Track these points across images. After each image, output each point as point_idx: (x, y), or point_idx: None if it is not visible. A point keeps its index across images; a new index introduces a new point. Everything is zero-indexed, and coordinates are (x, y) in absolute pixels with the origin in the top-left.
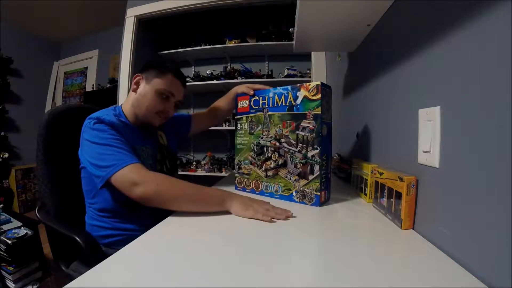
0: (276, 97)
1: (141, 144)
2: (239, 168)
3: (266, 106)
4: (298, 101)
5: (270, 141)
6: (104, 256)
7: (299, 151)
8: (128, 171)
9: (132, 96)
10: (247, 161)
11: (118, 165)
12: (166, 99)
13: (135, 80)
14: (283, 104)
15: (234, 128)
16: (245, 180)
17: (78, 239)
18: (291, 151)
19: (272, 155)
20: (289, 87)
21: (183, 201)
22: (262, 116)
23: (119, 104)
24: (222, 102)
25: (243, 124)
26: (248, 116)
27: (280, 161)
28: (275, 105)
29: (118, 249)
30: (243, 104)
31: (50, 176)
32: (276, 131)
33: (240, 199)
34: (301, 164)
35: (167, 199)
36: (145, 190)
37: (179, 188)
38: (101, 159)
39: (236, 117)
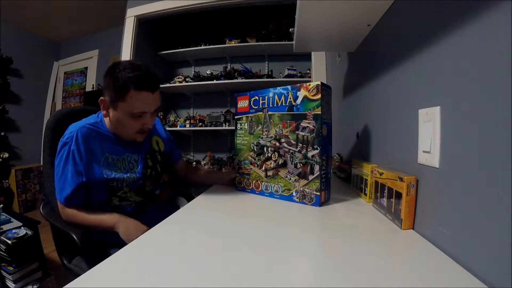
0: (276, 97)
1: (120, 154)
2: (239, 168)
3: (266, 106)
4: (298, 101)
5: (270, 141)
6: (99, 251)
7: (299, 151)
8: (58, 203)
9: (107, 119)
10: (247, 161)
11: (56, 194)
12: (140, 116)
13: (102, 106)
14: (283, 104)
15: (234, 128)
16: (245, 180)
17: (72, 234)
18: (291, 151)
19: (272, 155)
20: (289, 87)
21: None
22: (262, 116)
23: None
24: (207, 173)
25: (243, 124)
26: (248, 116)
27: (280, 161)
28: (275, 105)
29: (116, 244)
30: (242, 104)
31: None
32: (276, 131)
33: (125, 227)
34: (301, 164)
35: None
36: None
37: (80, 225)
38: (55, 181)
39: (236, 117)
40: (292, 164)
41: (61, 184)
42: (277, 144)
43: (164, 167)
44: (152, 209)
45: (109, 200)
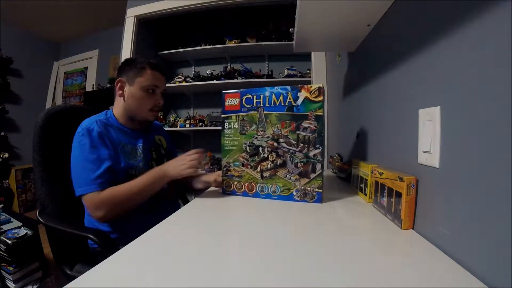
0: (273, 96)
1: (133, 144)
2: (228, 170)
3: (261, 105)
4: (299, 101)
5: (266, 142)
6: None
7: (300, 151)
8: (87, 199)
9: (121, 101)
10: (237, 163)
11: (82, 190)
12: (153, 92)
13: (118, 86)
14: (282, 104)
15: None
16: (235, 182)
17: (91, 235)
18: (291, 151)
19: (269, 156)
20: (288, 87)
21: (136, 202)
22: (256, 115)
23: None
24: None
25: (232, 124)
26: (238, 115)
27: (279, 161)
28: (272, 105)
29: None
30: (232, 101)
31: (48, 177)
32: (273, 131)
33: (170, 165)
34: (302, 164)
35: (122, 210)
36: (98, 219)
37: (127, 196)
38: (75, 176)
39: (223, 115)
40: (292, 163)
41: (90, 167)
42: (275, 144)
43: None
44: (161, 206)
45: None
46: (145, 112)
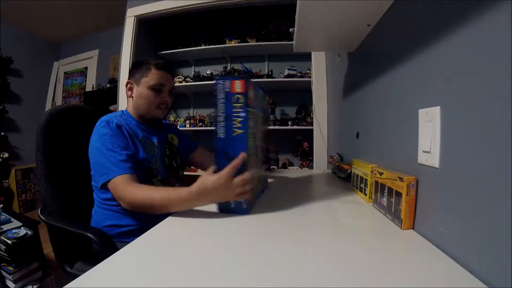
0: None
1: (149, 139)
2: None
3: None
4: None
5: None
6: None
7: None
8: (114, 185)
9: (131, 101)
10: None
11: (109, 174)
12: (159, 91)
13: (127, 87)
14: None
15: (242, 124)
16: (252, 196)
17: (90, 235)
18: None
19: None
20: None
21: (160, 209)
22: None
23: (118, 105)
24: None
25: (252, 122)
26: (253, 111)
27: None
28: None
29: (126, 241)
30: (252, 94)
31: (51, 176)
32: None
33: (210, 193)
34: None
35: (144, 210)
36: (125, 206)
37: (153, 201)
38: (97, 166)
39: (248, 108)
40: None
41: (112, 154)
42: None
43: (182, 162)
44: None
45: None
46: (153, 110)
